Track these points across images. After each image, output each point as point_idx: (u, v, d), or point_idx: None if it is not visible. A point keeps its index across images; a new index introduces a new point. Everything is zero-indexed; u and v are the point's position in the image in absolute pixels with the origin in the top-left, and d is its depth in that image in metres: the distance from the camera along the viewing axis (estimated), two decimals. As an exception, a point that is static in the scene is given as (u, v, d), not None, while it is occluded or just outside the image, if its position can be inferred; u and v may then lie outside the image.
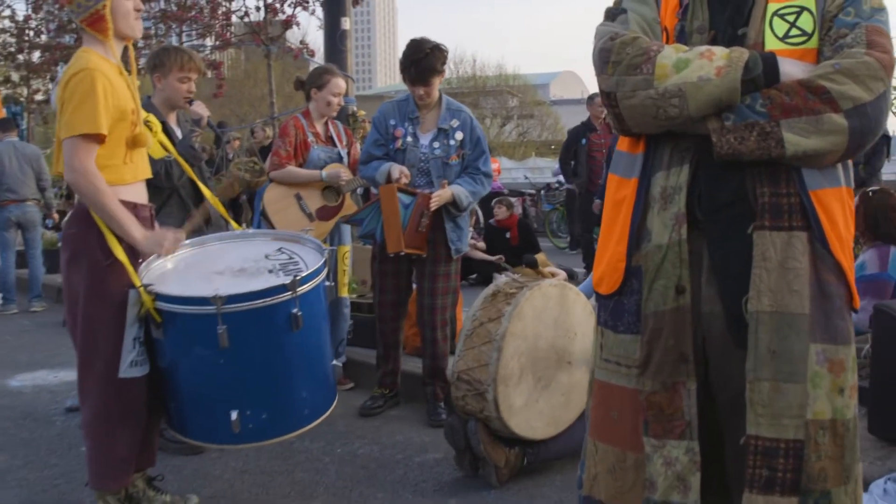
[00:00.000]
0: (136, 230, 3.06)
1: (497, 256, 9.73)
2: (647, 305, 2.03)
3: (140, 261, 3.10)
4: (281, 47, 11.42)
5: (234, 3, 11.65)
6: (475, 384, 3.69)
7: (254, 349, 2.95)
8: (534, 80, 58.06)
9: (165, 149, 3.78)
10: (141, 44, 12.03)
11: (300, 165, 5.19)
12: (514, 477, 3.83)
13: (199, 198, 4.18)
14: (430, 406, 4.83)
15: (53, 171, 3.19)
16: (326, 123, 5.38)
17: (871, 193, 4.57)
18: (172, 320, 2.95)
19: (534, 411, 3.76)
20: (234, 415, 2.93)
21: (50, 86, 14.61)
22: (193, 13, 11.86)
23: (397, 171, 4.60)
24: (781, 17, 1.99)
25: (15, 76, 16.55)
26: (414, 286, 5.04)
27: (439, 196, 4.58)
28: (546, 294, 3.79)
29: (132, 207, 3.10)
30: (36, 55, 14.83)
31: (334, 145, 5.33)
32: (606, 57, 2.04)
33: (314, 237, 5.07)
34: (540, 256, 9.46)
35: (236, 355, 2.91)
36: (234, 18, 11.98)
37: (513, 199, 11.18)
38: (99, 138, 2.94)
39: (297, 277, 2.91)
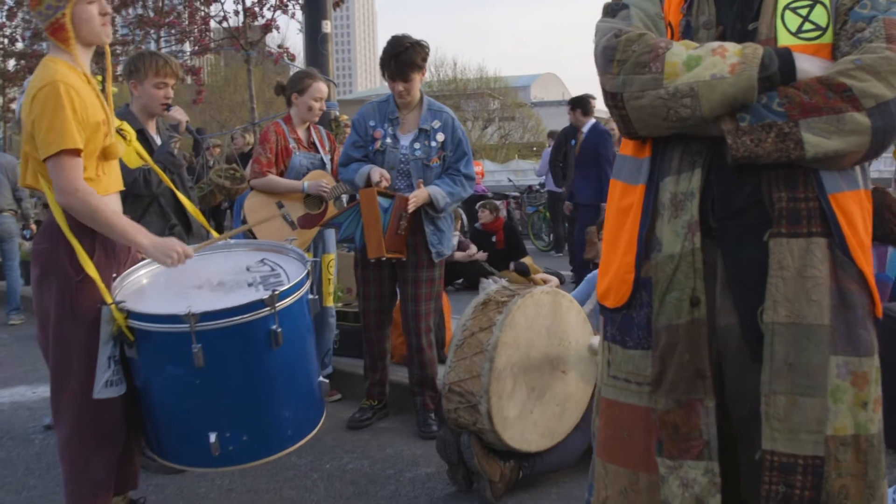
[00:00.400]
0: (142, 237, 2.95)
1: (476, 253, 9.59)
2: (659, 319, 1.92)
3: (114, 276, 2.97)
4: (261, 52, 11.27)
5: (212, 8, 11.47)
6: (467, 396, 3.57)
7: (231, 368, 2.81)
8: (515, 82, 58.01)
9: (142, 157, 3.64)
10: (118, 50, 11.89)
11: (281, 172, 5.06)
12: (510, 491, 3.71)
13: (180, 206, 4.05)
14: (420, 417, 4.71)
15: (21, 182, 3.05)
16: (308, 129, 5.26)
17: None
18: (146, 339, 2.81)
19: (528, 423, 3.64)
20: (212, 437, 2.79)
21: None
22: (171, 18, 11.68)
23: (377, 173, 4.47)
24: (793, 10, 1.88)
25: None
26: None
27: (416, 197, 4.44)
28: (538, 302, 3.68)
29: None
30: (11, 63, 14.62)
31: (317, 151, 5.21)
32: (611, 55, 1.92)
33: (298, 245, 4.98)
34: (526, 260, 9.36)
35: (213, 375, 2.78)
36: (212, 23, 11.83)
37: (497, 202, 11.07)
38: (77, 153, 2.81)
39: (276, 292, 2.77)
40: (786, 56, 1.82)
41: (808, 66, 1.81)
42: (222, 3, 11.99)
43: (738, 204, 1.87)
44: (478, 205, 10.80)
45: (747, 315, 1.86)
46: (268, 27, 10.72)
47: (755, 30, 1.91)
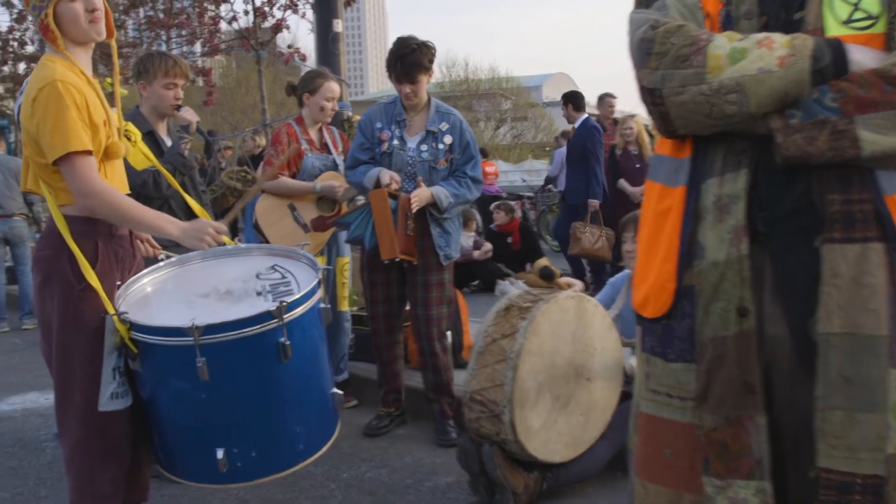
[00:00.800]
0: (171, 226, 2.86)
1: (489, 249, 9.47)
2: (704, 330, 1.79)
3: (118, 284, 2.85)
4: (271, 52, 11.17)
5: (222, 8, 11.36)
6: (490, 405, 3.45)
7: (238, 383, 2.68)
8: (526, 82, 57.91)
9: (148, 159, 3.53)
10: (128, 52, 11.80)
11: (294, 174, 4.95)
12: (533, 502, 3.59)
13: (190, 208, 3.95)
14: (438, 425, 4.60)
15: (22, 186, 2.94)
16: (321, 129, 5.15)
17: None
18: (149, 352, 2.68)
19: (553, 432, 3.52)
20: (219, 453, 2.67)
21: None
22: (181, 19, 11.58)
23: (387, 176, 4.36)
24: None
25: (0, 88, 16.28)
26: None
27: (418, 196, 4.33)
28: (563, 307, 3.55)
29: (107, 227, 2.86)
30: (21, 66, 14.56)
31: (329, 152, 5.10)
32: (648, 48, 1.79)
33: (311, 248, 4.86)
34: (542, 261, 9.23)
35: (219, 389, 2.65)
36: (222, 24, 11.74)
37: (512, 203, 10.96)
38: (88, 153, 2.70)
39: (284, 303, 2.65)
40: (838, 47, 1.68)
41: (862, 57, 1.68)
42: (231, 3, 11.87)
43: (787, 206, 1.74)
44: (493, 206, 10.69)
45: (798, 324, 1.73)
46: (278, 27, 10.61)
47: (801, 19, 1.77)
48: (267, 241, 4.83)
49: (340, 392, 3.00)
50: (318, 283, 2.86)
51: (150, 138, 4.22)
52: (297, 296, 2.72)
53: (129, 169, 3.79)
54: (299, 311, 2.72)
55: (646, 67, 1.79)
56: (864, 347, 1.68)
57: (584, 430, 3.63)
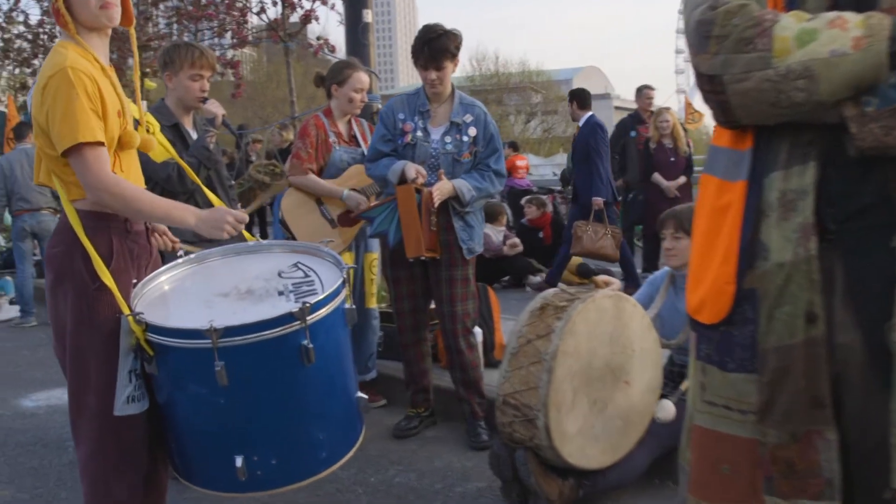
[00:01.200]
0: (189, 215, 2.70)
1: (510, 243, 9.28)
2: (767, 338, 1.62)
3: (134, 281, 2.72)
4: (300, 44, 11.07)
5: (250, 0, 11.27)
6: (524, 409, 3.29)
7: (258, 388, 2.55)
8: (557, 75, 57.57)
9: (167, 150, 3.39)
10: (157, 45, 11.76)
11: (321, 167, 4.82)
12: (568, 510, 3.44)
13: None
14: (469, 426, 4.45)
15: (35, 180, 2.82)
16: (349, 122, 5.02)
17: None
18: (165, 354, 2.55)
19: (589, 438, 3.36)
20: (238, 461, 2.54)
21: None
22: (209, 11, 11.50)
23: (413, 170, 4.23)
24: None
25: (30, 82, 16.31)
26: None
27: (440, 190, 4.21)
28: (600, 307, 3.39)
29: (122, 222, 2.73)
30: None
31: (358, 145, 4.97)
32: (707, 30, 1.61)
33: (338, 244, 4.73)
34: (576, 259, 9.00)
35: (238, 394, 2.52)
36: (251, 17, 11.64)
37: (543, 197, 10.78)
38: (99, 144, 2.57)
39: (307, 305, 2.50)
40: None
41: None
42: (260, -6, 11.76)
43: (860, 202, 1.57)
44: (524, 200, 10.53)
45: (872, 332, 1.56)
46: (307, 18, 10.50)
47: None
48: (293, 238, 4.72)
49: (365, 396, 2.87)
50: (343, 282, 2.72)
51: (176, 131, 4.12)
52: (321, 296, 2.58)
53: (152, 163, 3.68)
54: (323, 312, 2.58)
55: (705, 52, 1.62)
56: None
57: (622, 435, 3.47)
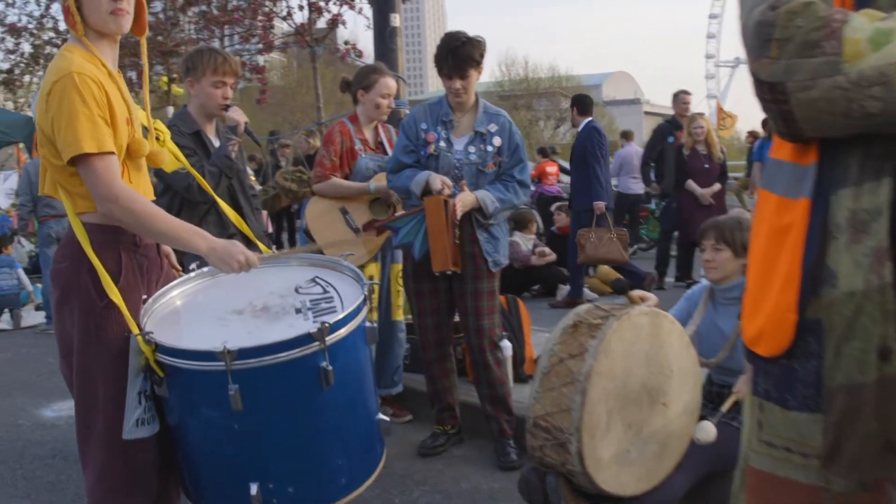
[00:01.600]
0: (200, 240, 2.55)
1: (538, 251, 9.10)
2: (835, 375, 1.45)
3: (144, 298, 2.59)
4: (327, 48, 10.98)
5: (277, 5, 11.19)
6: (555, 433, 3.12)
7: (274, 412, 2.42)
8: (586, 80, 57.39)
9: (178, 159, 3.25)
10: (184, 50, 11.74)
11: (346, 176, 4.68)
12: (602, 538, 3.27)
13: (240, 213, 3.70)
14: (497, 445, 4.29)
15: (40, 191, 2.69)
16: (376, 128, 4.88)
17: None
18: (176, 376, 2.43)
19: (624, 463, 3.18)
20: (253, 488, 2.41)
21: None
22: (235, 16, 11.44)
23: (438, 181, 4.09)
24: None
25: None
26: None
27: (462, 201, 4.07)
28: (636, 324, 3.21)
29: (131, 236, 2.59)
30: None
31: (385, 152, 4.82)
32: (767, 33, 1.43)
33: (365, 253, 4.60)
34: (604, 268, 8.77)
35: (253, 419, 2.39)
36: (278, 22, 11.58)
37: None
38: (109, 153, 2.44)
39: (326, 325, 2.36)
40: None
41: None
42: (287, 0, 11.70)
43: None
44: (553, 206, 10.36)
45: None
46: (335, 22, 10.41)
47: None
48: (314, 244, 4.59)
49: (386, 418, 2.73)
50: (364, 299, 2.58)
51: (197, 139, 4.01)
52: (341, 315, 2.44)
53: (171, 173, 3.56)
54: (343, 332, 2.44)
55: (764, 57, 1.44)
56: None
57: (658, 460, 3.29)
